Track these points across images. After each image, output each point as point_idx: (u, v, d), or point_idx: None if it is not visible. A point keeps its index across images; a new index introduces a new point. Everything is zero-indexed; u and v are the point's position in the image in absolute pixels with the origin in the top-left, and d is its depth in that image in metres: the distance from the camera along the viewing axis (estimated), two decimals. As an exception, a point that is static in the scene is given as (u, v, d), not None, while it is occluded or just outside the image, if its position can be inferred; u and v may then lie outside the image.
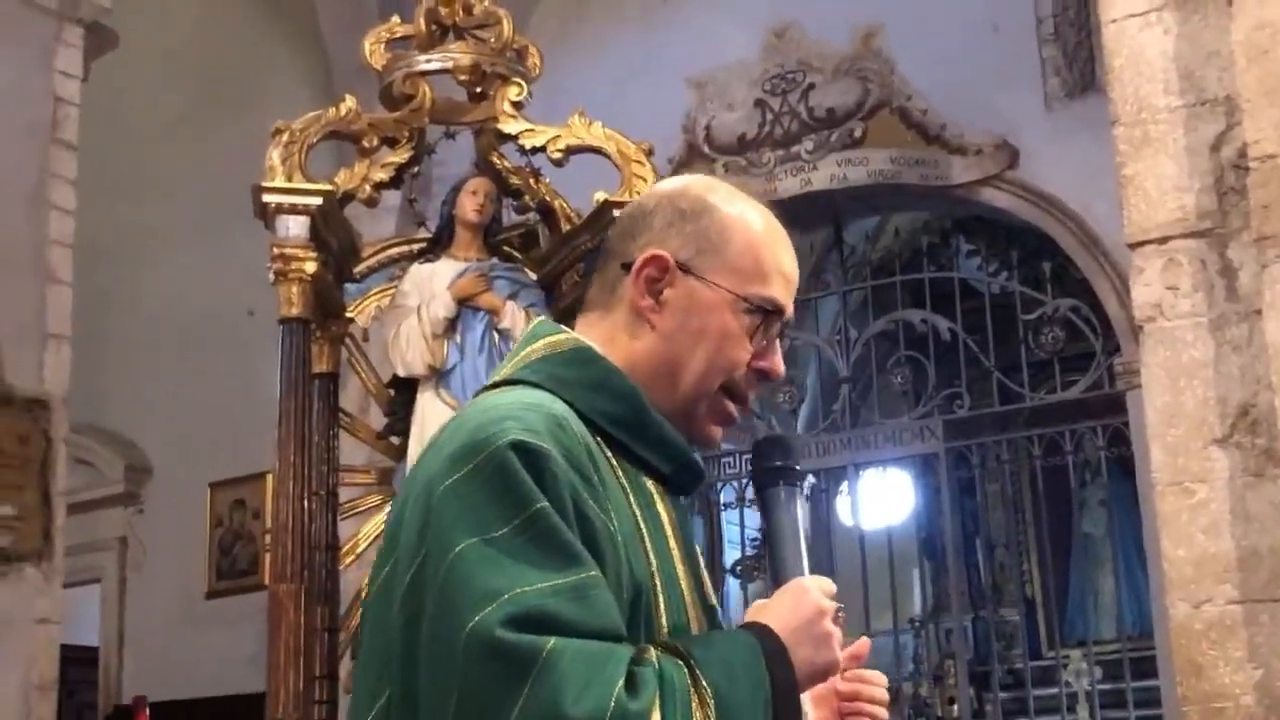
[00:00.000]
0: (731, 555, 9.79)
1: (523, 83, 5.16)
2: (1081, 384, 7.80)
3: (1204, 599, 3.18)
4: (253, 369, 7.78)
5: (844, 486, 9.01)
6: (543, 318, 1.62)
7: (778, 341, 1.56)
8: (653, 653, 1.34)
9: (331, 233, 4.93)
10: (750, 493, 8.60)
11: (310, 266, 4.72)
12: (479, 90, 5.19)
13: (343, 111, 5.00)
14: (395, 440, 5.15)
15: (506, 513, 1.32)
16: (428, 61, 5.11)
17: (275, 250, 4.72)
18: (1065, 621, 9.99)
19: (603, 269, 1.58)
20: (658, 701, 1.28)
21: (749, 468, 8.56)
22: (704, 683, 1.32)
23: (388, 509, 4.36)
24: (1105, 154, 3.68)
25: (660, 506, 1.51)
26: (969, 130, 7.64)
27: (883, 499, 9.59)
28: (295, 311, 4.72)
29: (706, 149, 8.36)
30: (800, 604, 1.43)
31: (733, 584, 9.84)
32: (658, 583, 1.43)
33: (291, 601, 4.55)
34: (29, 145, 6.01)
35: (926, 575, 10.50)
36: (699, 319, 1.51)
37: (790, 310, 1.57)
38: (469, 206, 5.11)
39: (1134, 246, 3.37)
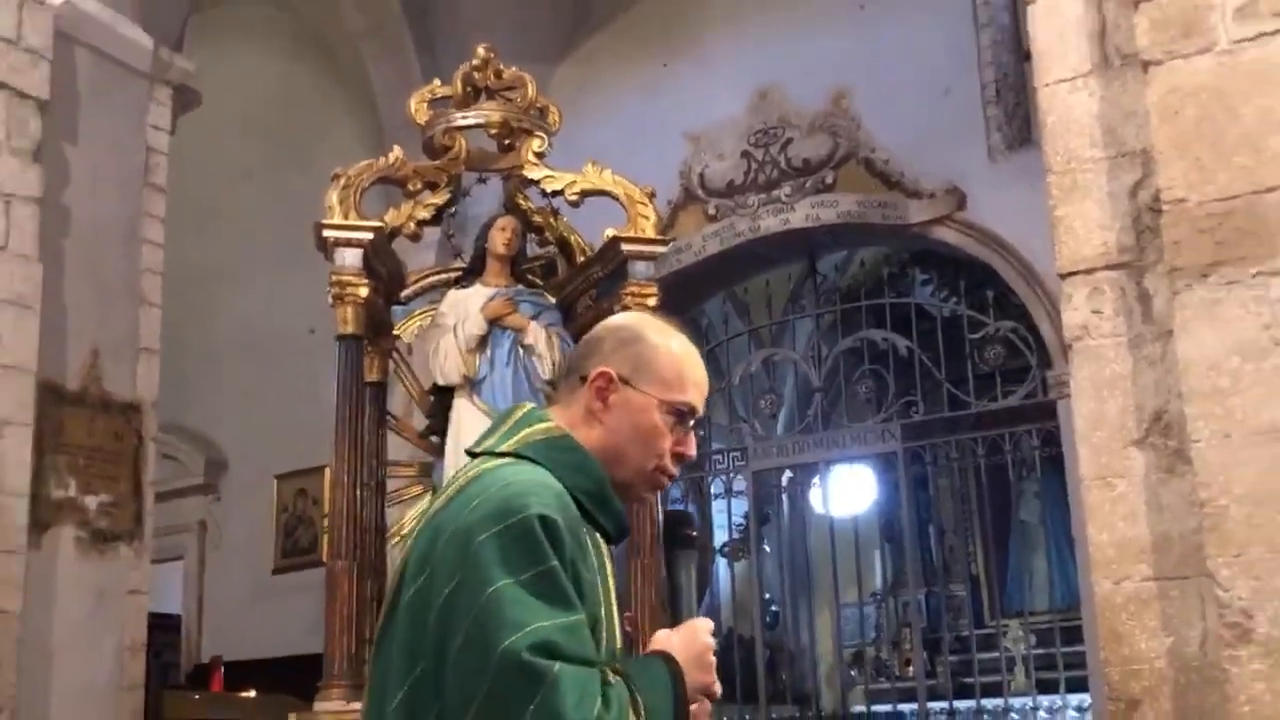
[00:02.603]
0: (720, 538, 9.77)
1: (544, 136, 5.17)
2: (1019, 393, 7.79)
3: (1124, 577, 3.17)
4: (313, 378, 7.78)
5: (816, 480, 9.00)
6: (532, 405, 1.83)
7: (692, 433, 1.78)
8: (610, 675, 1.56)
9: (381, 263, 4.93)
10: (737, 484, 8.61)
11: (363, 291, 4.72)
12: (507, 142, 5.20)
13: (391, 160, 5.01)
14: (435, 439, 5.14)
15: (529, 565, 1.53)
16: (464, 118, 5.12)
17: (333, 278, 4.73)
18: (1005, 596, 9.96)
19: (567, 377, 1.81)
20: (618, 714, 1.52)
21: (735, 464, 8.58)
22: (639, 698, 1.57)
23: (425, 503, 4.34)
24: (1040, 198, 3.67)
25: (606, 558, 1.71)
26: (924, 177, 7.64)
27: (850, 491, 9.58)
28: (350, 329, 4.73)
29: (700, 193, 8.35)
30: (694, 640, 1.68)
31: (721, 562, 9.83)
32: (603, 617, 1.64)
33: (346, 576, 4.54)
34: (126, 188, 6.02)
35: (887, 556, 10.48)
36: (634, 418, 1.73)
37: (701, 408, 1.78)
38: (499, 241, 5.11)
39: (1064, 276, 3.37)
